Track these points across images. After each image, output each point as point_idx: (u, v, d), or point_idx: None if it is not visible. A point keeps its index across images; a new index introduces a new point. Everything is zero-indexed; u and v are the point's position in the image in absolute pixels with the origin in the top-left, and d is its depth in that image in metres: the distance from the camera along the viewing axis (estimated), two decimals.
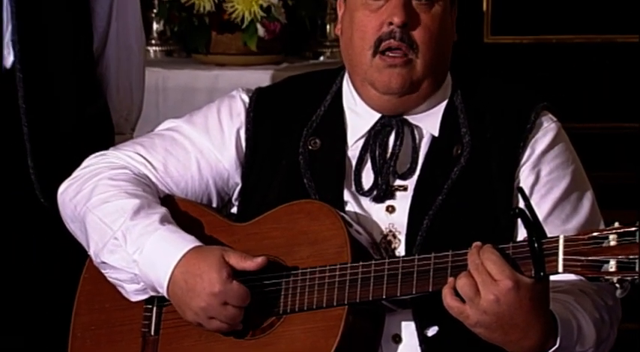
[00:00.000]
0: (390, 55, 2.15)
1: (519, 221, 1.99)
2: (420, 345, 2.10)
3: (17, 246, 2.53)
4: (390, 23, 2.14)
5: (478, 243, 1.94)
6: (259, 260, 2.08)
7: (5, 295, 2.55)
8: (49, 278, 2.51)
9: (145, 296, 2.19)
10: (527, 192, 2.12)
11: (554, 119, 2.22)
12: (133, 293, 2.19)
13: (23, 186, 2.47)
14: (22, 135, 2.45)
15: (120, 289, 2.20)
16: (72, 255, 2.32)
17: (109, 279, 2.21)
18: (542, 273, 1.90)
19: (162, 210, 2.19)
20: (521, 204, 1.97)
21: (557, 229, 2.09)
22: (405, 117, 2.21)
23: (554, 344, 1.95)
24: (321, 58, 3.82)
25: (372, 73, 2.17)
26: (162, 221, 2.16)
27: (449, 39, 2.21)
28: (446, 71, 2.24)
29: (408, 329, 2.12)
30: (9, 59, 2.43)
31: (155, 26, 3.76)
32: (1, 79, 2.44)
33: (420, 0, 2.16)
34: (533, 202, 2.09)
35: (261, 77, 3.56)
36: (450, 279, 1.94)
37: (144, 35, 2.72)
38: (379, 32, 2.15)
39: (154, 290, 2.16)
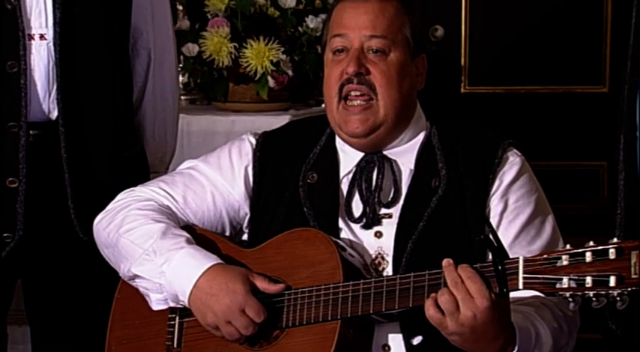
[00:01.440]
0: (352, 102, 2.17)
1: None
2: None
3: (62, 274, 2.52)
4: (347, 72, 2.16)
5: (450, 260, 1.93)
6: (280, 286, 2.09)
7: (55, 314, 2.55)
8: (88, 299, 2.49)
9: (164, 307, 2.19)
10: (496, 218, 2.15)
11: (519, 154, 2.22)
12: (155, 302, 2.19)
13: (65, 225, 2.46)
14: (64, 180, 2.44)
15: (146, 298, 2.20)
16: (106, 280, 2.31)
17: (140, 289, 2.20)
18: (505, 290, 1.90)
19: (187, 234, 2.20)
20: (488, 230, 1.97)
21: (523, 249, 2.11)
22: (385, 153, 2.21)
23: (514, 350, 1.96)
24: (322, 105, 3.82)
25: (339, 120, 2.20)
26: (188, 241, 2.17)
27: (411, 84, 2.22)
28: (411, 111, 2.24)
29: (396, 340, 2.11)
30: (54, 113, 2.42)
31: (181, 78, 3.76)
32: (47, 129, 2.43)
33: (375, 53, 2.17)
34: (502, 226, 2.14)
35: (272, 121, 3.54)
36: (433, 294, 1.93)
37: (179, 88, 2.71)
38: (340, 80, 2.17)
39: (175, 299, 2.15)
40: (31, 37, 2.39)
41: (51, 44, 2.40)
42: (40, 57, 2.40)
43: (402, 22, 2.21)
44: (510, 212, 2.17)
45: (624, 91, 2.12)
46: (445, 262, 1.94)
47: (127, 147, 2.56)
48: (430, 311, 1.92)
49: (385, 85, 2.16)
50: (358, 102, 2.17)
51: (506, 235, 2.10)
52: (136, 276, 2.19)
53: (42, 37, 2.40)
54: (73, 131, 2.43)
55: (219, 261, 2.13)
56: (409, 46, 2.21)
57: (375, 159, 2.21)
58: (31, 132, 2.40)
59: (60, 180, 2.43)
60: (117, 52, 2.53)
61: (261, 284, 2.10)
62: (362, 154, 2.22)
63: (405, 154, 2.22)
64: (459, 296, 1.90)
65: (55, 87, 2.41)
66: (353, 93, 2.17)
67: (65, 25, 2.39)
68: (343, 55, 2.19)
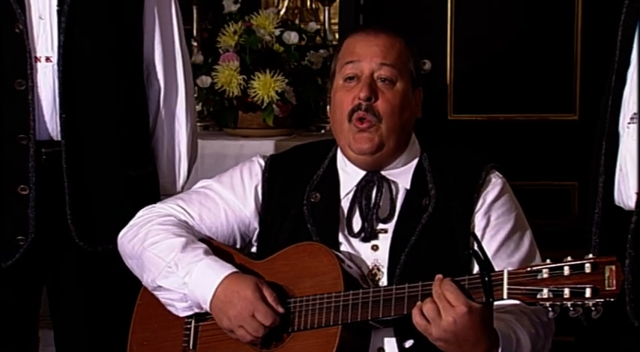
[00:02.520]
0: (362, 125, 2.16)
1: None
2: None
3: (78, 280, 2.51)
4: (359, 97, 2.16)
5: (440, 276, 1.94)
6: (281, 309, 2.09)
7: (77, 318, 2.53)
8: (107, 303, 2.48)
9: (190, 312, 2.18)
10: (480, 233, 2.15)
11: (500, 176, 2.22)
12: (182, 309, 2.18)
13: (67, 231, 2.45)
14: (64, 189, 2.42)
15: (170, 308, 2.20)
16: (124, 286, 2.31)
17: (162, 300, 2.20)
18: (491, 300, 1.90)
19: (204, 245, 2.20)
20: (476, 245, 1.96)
21: (504, 262, 2.12)
22: (383, 173, 2.21)
23: None
24: (322, 131, 3.83)
25: (349, 139, 2.19)
26: (206, 253, 2.17)
27: (411, 112, 2.23)
28: (408, 137, 2.24)
29: (390, 343, 2.11)
30: (58, 130, 2.41)
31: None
32: (54, 143, 2.42)
33: (383, 81, 2.17)
34: (485, 240, 2.14)
35: (277, 145, 3.58)
36: (418, 303, 1.94)
37: (191, 115, 2.67)
38: (351, 105, 2.17)
39: (199, 306, 2.15)
40: (37, 59, 2.39)
41: (55, 66, 2.39)
42: (46, 77, 2.40)
43: (408, 56, 2.22)
44: (492, 227, 2.17)
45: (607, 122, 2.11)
46: (437, 277, 1.94)
47: (136, 168, 2.54)
48: (416, 318, 1.93)
49: (390, 112, 2.17)
50: (366, 124, 2.17)
51: (488, 248, 2.09)
52: (159, 287, 2.18)
53: (47, 59, 2.39)
54: (72, 146, 2.41)
55: (234, 269, 2.13)
56: (412, 79, 2.22)
57: (374, 179, 2.21)
58: (42, 148, 2.40)
59: (62, 189, 2.41)
60: (129, 80, 2.52)
61: (270, 298, 2.09)
62: (362, 174, 2.22)
63: (401, 175, 2.22)
64: (440, 305, 1.91)
65: (59, 106, 2.40)
66: (362, 117, 2.16)
67: (68, 49, 2.38)
68: (354, 83, 2.19)
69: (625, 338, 2.03)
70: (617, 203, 2.06)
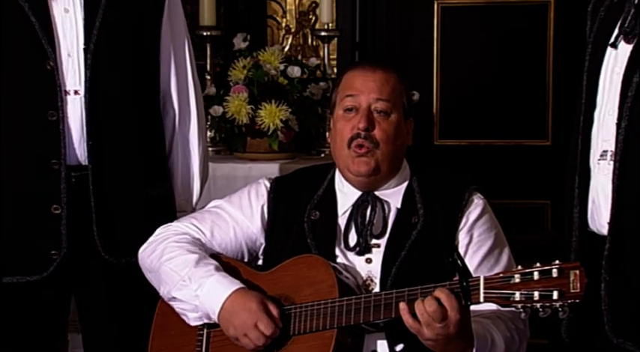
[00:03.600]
0: (357, 151, 2.17)
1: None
2: None
3: (104, 290, 2.50)
4: (358, 127, 2.16)
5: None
6: (281, 324, 2.08)
7: (103, 324, 2.52)
8: (136, 312, 2.45)
9: (200, 322, 2.18)
10: (463, 248, 2.16)
11: (482, 197, 2.22)
12: (193, 319, 2.18)
13: (94, 245, 2.44)
14: (91, 208, 2.41)
15: (183, 317, 2.19)
16: (150, 297, 2.29)
17: (176, 309, 2.19)
18: (469, 303, 1.90)
19: (215, 262, 2.19)
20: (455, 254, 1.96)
21: (485, 274, 2.10)
22: (377, 194, 2.21)
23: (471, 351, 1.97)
24: (322, 155, 3.82)
25: (348, 163, 2.19)
26: (217, 269, 2.16)
27: (403, 140, 2.23)
28: (400, 162, 2.24)
29: (382, 346, 2.10)
30: (85, 155, 2.41)
31: (208, 133, 3.77)
32: (82, 168, 2.41)
33: (379, 113, 2.18)
34: (467, 255, 2.13)
35: (281, 168, 3.57)
36: (408, 306, 1.93)
37: (202, 139, 2.65)
38: (351, 133, 2.17)
39: (208, 317, 2.14)
40: (66, 92, 2.38)
41: (83, 98, 2.39)
42: (75, 109, 2.39)
43: (401, 90, 2.22)
44: (475, 244, 2.17)
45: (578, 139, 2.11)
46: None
47: (155, 187, 2.53)
48: (410, 321, 1.92)
49: (385, 140, 2.17)
50: (363, 150, 2.17)
51: (471, 262, 2.10)
52: (174, 298, 2.18)
53: (76, 92, 2.39)
54: (98, 170, 2.40)
55: (241, 285, 2.13)
56: (404, 110, 2.22)
57: (369, 199, 2.21)
58: (71, 172, 2.39)
59: (89, 208, 2.41)
60: (147, 109, 2.52)
61: (274, 311, 2.09)
62: (358, 194, 2.22)
63: (392, 196, 2.22)
64: (435, 313, 1.89)
65: (86, 134, 2.40)
66: (360, 144, 2.17)
67: (94, 83, 2.38)
68: (353, 113, 2.19)
69: (602, 348, 2.02)
70: (591, 229, 2.05)
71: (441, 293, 1.91)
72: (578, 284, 1.81)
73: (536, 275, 1.84)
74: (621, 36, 1.96)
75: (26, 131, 2.38)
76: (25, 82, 2.37)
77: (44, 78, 2.36)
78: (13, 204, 2.39)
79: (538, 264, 1.85)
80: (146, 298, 2.29)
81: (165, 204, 2.55)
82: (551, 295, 1.82)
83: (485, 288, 1.88)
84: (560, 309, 1.83)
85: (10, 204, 2.39)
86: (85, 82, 2.38)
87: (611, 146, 1.96)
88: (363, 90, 2.19)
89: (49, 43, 2.35)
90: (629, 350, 1.95)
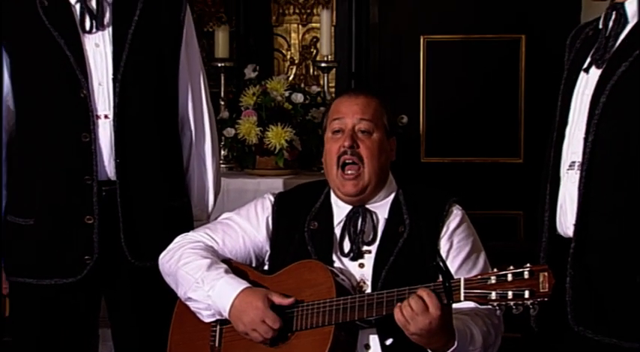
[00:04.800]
0: (347, 171, 2.17)
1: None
2: (382, 351, 2.09)
3: (130, 289, 2.49)
4: (344, 146, 2.17)
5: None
6: (290, 300, 2.09)
7: (129, 320, 2.52)
8: (158, 309, 2.43)
9: (213, 319, 2.18)
10: (445, 254, 2.15)
11: (461, 208, 2.22)
12: (207, 316, 2.18)
13: (122, 251, 2.43)
14: (119, 218, 2.41)
15: (198, 315, 2.19)
16: (170, 296, 2.29)
17: (192, 308, 2.19)
18: (451, 301, 1.90)
19: (225, 266, 2.19)
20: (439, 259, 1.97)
21: (464, 276, 2.09)
22: (367, 206, 2.21)
23: (454, 345, 1.96)
24: (322, 171, 3.81)
25: (338, 184, 2.20)
26: (226, 272, 2.16)
27: (387, 156, 2.22)
28: (386, 176, 2.23)
29: (374, 340, 2.10)
30: (114, 172, 2.41)
31: (222, 152, 3.77)
32: (111, 183, 2.41)
33: (363, 133, 2.18)
34: (448, 260, 2.13)
35: (286, 183, 3.57)
36: (399, 304, 1.93)
37: (215, 157, 2.65)
38: (338, 152, 2.18)
39: (220, 314, 2.14)
40: (98, 117, 2.38)
41: (112, 122, 2.39)
42: (105, 131, 2.39)
43: (382, 112, 2.22)
44: (454, 250, 2.17)
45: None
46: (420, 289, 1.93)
47: (174, 199, 2.53)
48: (397, 315, 1.92)
49: (369, 157, 2.17)
50: (351, 171, 2.17)
51: (451, 266, 2.09)
52: (190, 298, 2.18)
53: (106, 116, 2.39)
54: (125, 184, 2.40)
55: (248, 285, 2.13)
56: (386, 130, 2.22)
57: (360, 211, 2.21)
58: (102, 187, 2.39)
59: (117, 218, 2.41)
60: (167, 131, 2.52)
61: (278, 299, 2.09)
62: (350, 207, 2.22)
63: (381, 208, 2.22)
64: (418, 308, 1.90)
65: (114, 153, 2.40)
66: (347, 161, 2.17)
67: (121, 109, 2.39)
68: (340, 135, 2.20)
69: (567, 336, 2.01)
70: (558, 233, 2.06)
71: (423, 292, 1.91)
72: (547, 285, 1.81)
73: (509, 277, 1.84)
74: (593, 62, 1.98)
75: (63, 151, 2.38)
76: (62, 108, 2.38)
77: (78, 104, 2.36)
78: (52, 216, 2.40)
79: (511, 267, 1.85)
80: (167, 297, 2.28)
81: (184, 214, 2.55)
82: (523, 294, 1.82)
83: (465, 288, 1.89)
84: (531, 307, 1.83)
85: (48, 215, 2.40)
86: (114, 107, 2.38)
87: (578, 157, 1.98)
88: (347, 113, 2.19)
89: (82, 74, 2.36)
90: (588, 337, 1.95)
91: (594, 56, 1.99)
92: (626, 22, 1.96)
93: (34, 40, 2.37)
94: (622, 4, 1.97)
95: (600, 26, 2.01)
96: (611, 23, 1.97)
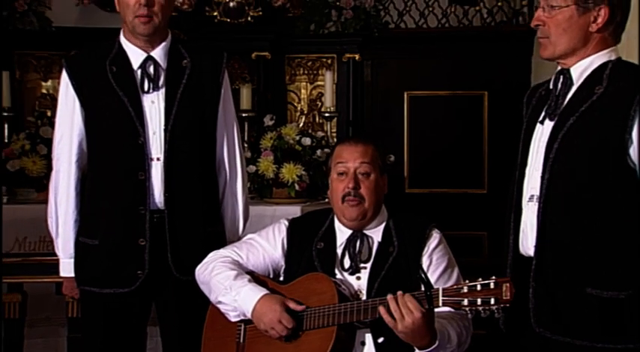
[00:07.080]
0: (350, 202, 2.17)
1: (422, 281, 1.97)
2: (375, 347, 2.07)
3: (174, 297, 2.46)
4: (348, 187, 2.17)
5: (400, 292, 1.94)
6: (303, 306, 2.08)
7: (173, 322, 2.48)
8: (196, 313, 2.39)
9: (239, 319, 2.16)
10: (426, 268, 2.13)
11: (439, 231, 2.20)
12: (234, 317, 2.16)
13: (168, 266, 2.41)
14: (167, 240, 2.39)
15: (226, 315, 2.17)
16: (205, 303, 2.28)
17: (222, 310, 2.18)
18: (432, 307, 1.90)
19: (249, 276, 2.18)
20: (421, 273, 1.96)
21: (441, 286, 2.07)
22: (364, 232, 2.20)
23: (435, 343, 1.95)
24: (326, 200, 3.81)
25: (343, 211, 2.19)
26: (249, 281, 2.16)
27: (381, 191, 2.21)
28: (380, 207, 2.22)
29: (368, 338, 2.08)
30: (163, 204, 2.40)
31: None
32: (160, 212, 2.40)
33: (363, 175, 2.18)
34: (429, 273, 2.11)
35: (297, 210, 3.56)
36: (387, 309, 1.92)
37: (245, 192, 2.61)
38: (343, 192, 2.17)
39: (244, 315, 2.13)
40: (151, 159, 2.38)
41: (162, 163, 2.38)
42: (157, 170, 2.38)
43: (377, 155, 2.21)
44: (434, 265, 2.15)
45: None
46: (398, 293, 1.93)
47: (211, 226, 2.50)
48: (386, 317, 1.91)
49: (369, 195, 2.16)
50: (354, 203, 2.16)
51: (432, 278, 2.08)
52: (220, 302, 2.17)
53: (158, 159, 2.38)
54: (172, 213, 2.39)
55: (267, 291, 2.12)
56: (380, 169, 2.21)
57: (358, 235, 2.20)
58: (153, 215, 2.38)
59: (165, 240, 2.39)
60: (207, 170, 2.51)
61: (292, 305, 2.08)
62: (350, 232, 2.21)
63: (375, 232, 2.20)
64: (404, 310, 1.90)
65: (163, 188, 2.39)
66: (352, 203, 2.16)
67: (170, 153, 2.38)
68: (344, 177, 2.19)
69: (529, 336, 1.99)
70: (521, 253, 2.04)
71: (407, 299, 1.91)
72: (509, 293, 1.80)
73: (479, 287, 1.83)
74: (547, 116, 1.99)
75: (123, 186, 2.38)
76: (124, 151, 2.38)
77: (137, 149, 2.36)
78: (112, 238, 2.39)
79: (480, 279, 1.85)
80: (202, 303, 2.28)
81: (219, 238, 2.53)
82: (490, 301, 1.81)
83: (443, 296, 1.88)
84: (496, 311, 1.82)
85: (110, 237, 2.40)
86: (165, 151, 2.38)
87: (536, 192, 1.97)
88: (349, 159, 2.19)
89: (140, 125, 2.36)
90: (547, 337, 1.94)
91: (547, 111, 1.99)
92: (571, 84, 1.98)
93: (104, 98, 2.38)
94: (568, 70, 1.99)
95: (551, 87, 2.02)
96: (559, 85, 1.99)
